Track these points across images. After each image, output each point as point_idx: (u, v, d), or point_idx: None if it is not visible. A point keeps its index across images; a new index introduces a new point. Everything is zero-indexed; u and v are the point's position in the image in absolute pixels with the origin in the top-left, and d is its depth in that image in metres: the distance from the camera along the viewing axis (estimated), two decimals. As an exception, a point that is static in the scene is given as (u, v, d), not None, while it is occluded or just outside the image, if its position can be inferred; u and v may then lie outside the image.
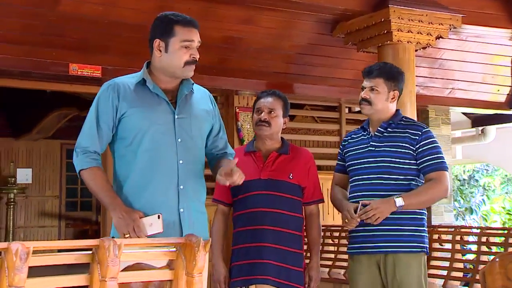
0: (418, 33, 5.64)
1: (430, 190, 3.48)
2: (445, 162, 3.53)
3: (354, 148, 3.66)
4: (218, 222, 3.75)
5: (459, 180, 15.36)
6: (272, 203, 3.57)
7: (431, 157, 3.48)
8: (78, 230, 12.14)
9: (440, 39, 5.88)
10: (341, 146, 3.78)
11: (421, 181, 3.53)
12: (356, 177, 3.60)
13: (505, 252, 4.17)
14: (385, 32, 5.56)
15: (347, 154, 3.69)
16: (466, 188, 15.28)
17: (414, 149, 3.50)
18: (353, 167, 3.63)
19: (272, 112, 3.65)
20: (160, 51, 2.92)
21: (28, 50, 5.30)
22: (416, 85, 7.26)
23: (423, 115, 8.23)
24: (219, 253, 3.69)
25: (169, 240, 2.29)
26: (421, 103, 7.76)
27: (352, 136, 3.74)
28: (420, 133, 3.52)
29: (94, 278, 2.00)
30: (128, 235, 2.69)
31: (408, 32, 5.59)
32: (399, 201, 3.40)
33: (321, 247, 6.35)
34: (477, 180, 15.84)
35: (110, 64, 5.54)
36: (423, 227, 3.54)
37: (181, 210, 2.91)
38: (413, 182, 3.51)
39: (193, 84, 3.05)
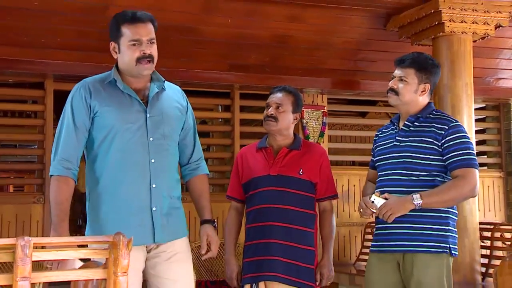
0: (473, 22, 5.27)
1: (453, 188, 3.20)
2: (474, 159, 3.23)
3: (382, 143, 3.48)
4: (231, 219, 3.70)
5: None
6: (281, 199, 3.48)
7: (458, 152, 3.21)
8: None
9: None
10: (373, 142, 3.59)
11: (448, 177, 3.27)
12: (382, 173, 3.42)
13: (515, 252, 3.77)
14: (437, 23, 5.23)
15: (376, 149, 3.52)
16: None
17: (440, 144, 3.24)
18: (380, 163, 3.45)
19: (280, 108, 3.56)
20: (116, 52, 2.89)
21: (84, 56, 5.44)
22: (492, 78, 6.83)
23: (504, 108, 7.69)
24: (231, 249, 3.65)
25: (99, 239, 2.23)
26: (502, 96, 7.28)
27: (383, 130, 3.56)
28: (446, 127, 3.25)
29: (14, 278, 1.96)
30: (50, 266, 2.61)
31: (462, 22, 5.23)
32: (417, 199, 3.16)
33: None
34: None
35: (163, 66, 5.48)
36: (448, 226, 3.27)
37: (154, 209, 2.85)
38: (438, 178, 3.25)
39: (164, 81, 2.99)
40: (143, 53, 2.82)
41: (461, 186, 3.18)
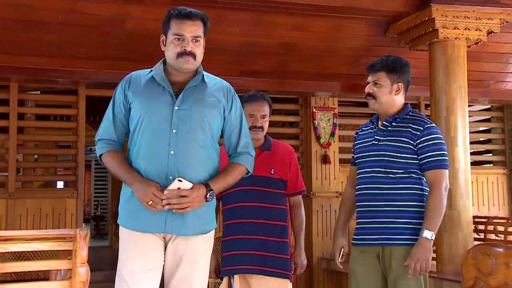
0: (465, 29, 5.14)
1: (434, 204, 3.17)
2: (445, 159, 3.23)
3: (361, 141, 3.47)
4: None
5: None
6: (255, 197, 3.50)
7: (430, 154, 3.21)
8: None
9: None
10: (353, 139, 3.58)
11: (422, 173, 3.24)
12: (361, 170, 3.41)
13: (478, 244, 3.69)
14: (431, 30, 5.13)
15: (356, 147, 3.51)
16: None
17: (415, 144, 3.23)
18: (359, 160, 3.44)
19: (265, 118, 3.63)
20: (164, 44, 2.84)
21: (106, 64, 5.51)
22: (493, 81, 6.65)
23: (508, 109, 7.53)
24: None
25: (61, 232, 2.25)
26: (505, 98, 7.10)
27: (363, 129, 3.54)
28: (422, 128, 3.24)
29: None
30: (151, 202, 2.62)
31: (455, 28, 5.11)
32: (429, 235, 3.14)
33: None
34: None
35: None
36: (422, 219, 3.22)
37: None
38: (414, 175, 3.24)
39: (203, 75, 2.87)
40: (184, 49, 2.74)
41: (437, 198, 3.16)
